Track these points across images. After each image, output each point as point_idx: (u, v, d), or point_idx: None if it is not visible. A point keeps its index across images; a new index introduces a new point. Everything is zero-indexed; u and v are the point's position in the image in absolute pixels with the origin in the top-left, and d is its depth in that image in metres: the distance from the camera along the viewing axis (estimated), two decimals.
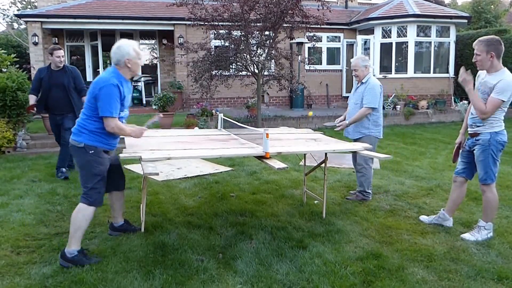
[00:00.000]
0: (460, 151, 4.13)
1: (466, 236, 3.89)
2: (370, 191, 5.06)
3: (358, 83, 5.05)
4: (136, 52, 3.39)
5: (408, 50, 14.02)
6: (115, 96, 3.26)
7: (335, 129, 5.07)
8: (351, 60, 5.15)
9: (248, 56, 9.60)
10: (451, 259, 3.42)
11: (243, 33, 9.41)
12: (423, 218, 4.37)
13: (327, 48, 15.23)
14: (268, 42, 9.78)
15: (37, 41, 12.65)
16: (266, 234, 3.92)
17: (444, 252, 3.55)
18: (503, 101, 3.61)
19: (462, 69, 3.71)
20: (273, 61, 10.29)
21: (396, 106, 13.09)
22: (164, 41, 14.34)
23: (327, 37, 15.21)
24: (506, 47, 14.53)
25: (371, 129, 4.93)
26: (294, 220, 4.32)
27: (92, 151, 3.31)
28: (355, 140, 4.98)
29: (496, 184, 5.58)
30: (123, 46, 3.38)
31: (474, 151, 3.88)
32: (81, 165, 3.40)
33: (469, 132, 3.94)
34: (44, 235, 3.85)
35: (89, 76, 14.49)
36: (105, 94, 3.23)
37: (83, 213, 3.31)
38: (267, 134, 3.49)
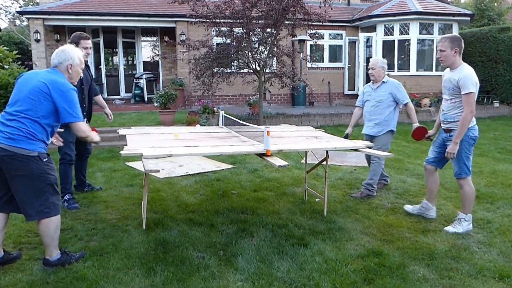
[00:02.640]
0: (433, 141, 4.40)
1: (448, 228, 4.03)
2: (376, 187, 5.15)
3: (374, 83, 5.18)
4: (80, 60, 3.30)
5: (410, 47, 13.98)
6: (77, 100, 3.14)
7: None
8: (371, 59, 5.35)
9: (249, 54, 9.59)
10: (452, 258, 3.42)
11: (244, 30, 9.40)
12: (407, 207, 4.56)
13: (329, 45, 15.20)
14: (269, 39, 9.77)
15: (39, 38, 12.67)
16: (267, 232, 3.93)
17: (445, 250, 3.55)
18: (473, 92, 3.82)
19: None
20: (274, 58, 10.26)
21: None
22: (166, 38, 14.33)
23: (329, 34, 15.18)
24: (511, 45, 14.40)
25: (393, 125, 5.14)
26: (295, 218, 4.32)
27: (46, 159, 3.07)
28: (372, 137, 5.12)
29: (498, 182, 5.59)
30: (68, 51, 3.25)
31: (447, 146, 4.04)
32: (36, 176, 2.99)
33: (443, 127, 4.16)
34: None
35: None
36: (72, 98, 3.07)
37: (54, 225, 3.11)
38: (268, 131, 3.49)
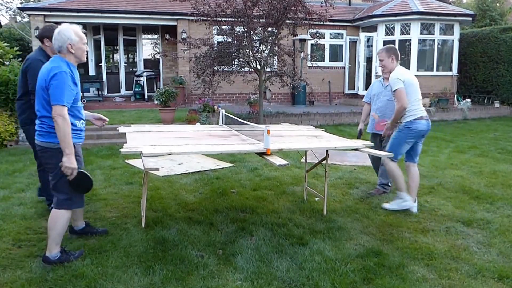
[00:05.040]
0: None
1: (386, 205, 4.58)
2: (390, 185, 5.21)
3: (385, 80, 5.05)
4: (78, 36, 3.17)
5: (411, 47, 13.96)
6: (68, 84, 3.04)
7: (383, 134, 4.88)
8: (378, 51, 5.19)
9: (250, 52, 9.58)
10: (451, 258, 3.42)
11: (246, 29, 9.39)
12: (385, 205, 4.65)
13: (329, 45, 15.18)
14: (270, 38, 9.76)
15: None
16: (267, 231, 3.92)
17: (444, 250, 3.55)
18: (399, 88, 4.30)
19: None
20: (275, 57, 10.26)
21: None
22: (167, 36, 14.32)
23: (330, 34, 15.16)
24: None
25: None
26: (295, 217, 4.32)
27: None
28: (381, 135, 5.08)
29: (498, 183, 5.60)
30: (63, 31, 3.13)
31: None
32: (60, 168, 3.06)
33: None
34: (45, 229, 3.83)
35: (91, 71, 14.51)
36: (58, 81, 3.00)
37: (64, 219, 3.17)
38: (268, 130, 3.48)
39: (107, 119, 3.81)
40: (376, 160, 5.36)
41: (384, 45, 14.24)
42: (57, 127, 2.98)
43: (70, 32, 3.15)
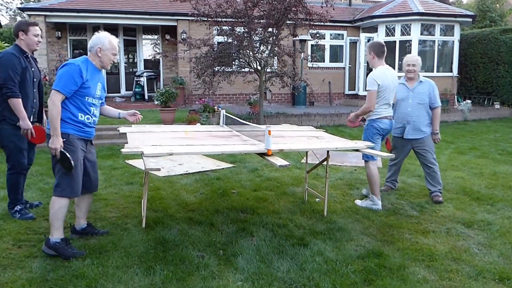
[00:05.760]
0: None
1: (358, 202, 4.81)
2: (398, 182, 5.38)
3: (409, 82, 5.00)
4: (111, 45, 3.42)
5: (411, 48, 13.97)
6: (72, 75, 3.23)
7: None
8: (409, 56, 5.20)
9: (251, 53, 9.58)
10: (452, 259, 3.41)
11: (246, 29, 9.38)
12: (357, 202, 4.84)
13: (330, 45, 15.19)
14: (271, 39, 9.76)
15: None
16: (267, 231, 3.92)
17: (445, 251, 3.55)
18: (370, 90, 4.52)
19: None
20: (276, 58, 10.27)
21: None
22: (167, 37, 14.33)
23: (330, 34, 15.17)
24: None
25: (428, 128, 5.01)
26: (295, 218, 4.32)
27: (65, 139, 3.27)
28: (415, 140, 5.01)
29: (498, 184, 5.60)
30: (100, 35, 3.43)
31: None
32: (53, 154, 3.31)
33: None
34: (46, 229, 3.84)
35: None
36: (63, 71, 3.25)
37: (57, 205, 3.31)
38: (269, 131, 3.48)
39: (140, 116, 3.90)
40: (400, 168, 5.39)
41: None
42: (48, 110, 3.23)
43: (105, 38, 3.43)
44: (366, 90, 4.63)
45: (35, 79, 4.14)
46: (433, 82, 5.06)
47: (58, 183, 3.34)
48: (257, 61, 9.75)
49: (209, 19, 9.58)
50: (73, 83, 3.25)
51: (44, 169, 6.16)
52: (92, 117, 3.47)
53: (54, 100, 3.20)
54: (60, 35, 13.57)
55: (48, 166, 6.30)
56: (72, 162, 3.28)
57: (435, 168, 5.03)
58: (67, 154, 3.26)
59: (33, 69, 4.13)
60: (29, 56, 4.09)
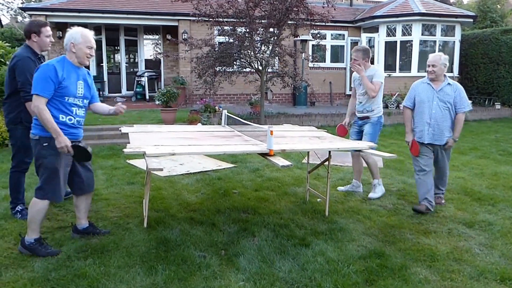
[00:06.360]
0: (350, 131, 5.37)
1: (372, 195, 5.04)
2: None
3: (435, 83, 4.58)
4: (84, 38, 3.33)
5: (412, 48, 13.97)
6: (48, 76, 3.17)
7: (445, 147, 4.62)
8: (431, 55, 4.77)
9: (252, 53, 9.58)
10: (454, 259, 3.42)
11: (247, 29, 9.39)
12: (340, 188, 5.35)
13: (331, 45, 15.18)
14: (272, 39, 9.76)
15: None
16: (269, 232, 3.92)
17: (447, 252, 3.55)
18: (382, 82, 4.96)
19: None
20: (277, 58, 10.27)
21: (400, 105, 13.05)
22: (168, 37, 14.32)
23: (331, 34, 15.17)
24: None
25: (450, 133, 4.59)
26: (297, 218, 4.32)
27: (46, 143, 3.24)
28: (443, 146, 4.59)
29: (499, 184, 5.60)
30: (73, 32, 3.36)
31: (364, 128, 5.11)
32: (36, 158, 3.37)
33: (359, 116, 5.19)
34: (47, 229, 3.86)
35: (92, 71, 14.50)
36: (38, 73, 3.21)
37: (37, 207, 3.32)
38: (271, 131, 3.48)
39: (123, 107, 3.70)
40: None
41: (385, 46, 14.36)
42: (38, 117, 3.22)
43: (77, 33, 3.35)
44: (378, 80, 4.94)
45: None
46: (460, 85, 4.64)
47: (42, 187, 3.33)
48: (258, 61, 9.76)
49: (210, 19, 9.59)
50: (51, 84, 3.18)
51: None
52: (74, 118, 3.38)
53: (39, 105, 3.16)
54: (61, 35, 13.56)
55: None
56: (88, 149, 3.33)
57: (446, 175, 4.84)
58: (79, 145, 3.29)
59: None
60: (40, 57, 4.15)
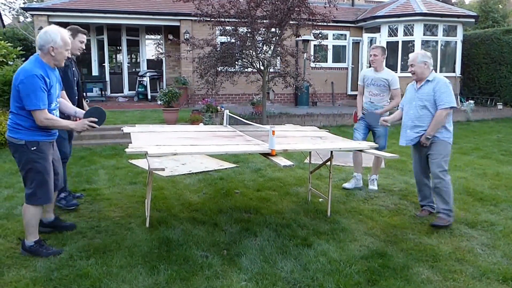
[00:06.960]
0: (356, 127, 5.48)
1: (372, 188, 5.38)
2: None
3: (417, 83, 4.36)
4: (64, 41, 3.18)
5: (414, 49, 13.93)
6: (39, 87, 3.06)
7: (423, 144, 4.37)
8: (410, 55, 4.45)
9: (254, 53, 9.59)
10: (456, 260, 3.41)
11: (249, 29, 9.39)
12: (345, 185, 5.47)
13: (333, 46, 15.16)
14: (274, 39, 9.76)
15: None
16: (271, 231, 3.92)
17: (449, 252, 3.54)
18: (399, 88, 5.29)
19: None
20: (278, 58, 10.26)
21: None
22: (170, 37, 14.33)
23: (333, 34, 15.15)
24: None
25: (443, 133, 4.33)
26: (299, 218, 4.32)
27: (35, 147, 3.20)
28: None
29: (501, 184, 5.60)
30: (50, 32, 3.16)
31: (376, 130, 5.31)
32: (24, 163, 3.24)
33: (371, 112, 5.28)
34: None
35: (94, 71, 14.55)
36: (29, 86, 3.04)
37: (31, 212, 3.30)
38: (273, 131, 3.48)
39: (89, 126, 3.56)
40: (423, 183, 4.61)
41: (387, 46, 14.21)
42: (52, 127, 3.28)
43: (56, 35, 3.17)
44: (398, 88, 5.32)
45: (75, 78, 4.43)
46: (443, 80, 4.29)
47: (34, 192, 3.27)
48: (260, 61, 9.76)
49: (212, 19, 9.60)
50: (44, 93, 3.11)
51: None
52: None
53: (46, 117, 3.13)
54: None
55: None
56: (102, 109, 3.42)
57: (439, 183, 4.30)
58: (92, 117, 3.37)
59: (73, 68, 4.41)
60: (69, 57, 4.05)
